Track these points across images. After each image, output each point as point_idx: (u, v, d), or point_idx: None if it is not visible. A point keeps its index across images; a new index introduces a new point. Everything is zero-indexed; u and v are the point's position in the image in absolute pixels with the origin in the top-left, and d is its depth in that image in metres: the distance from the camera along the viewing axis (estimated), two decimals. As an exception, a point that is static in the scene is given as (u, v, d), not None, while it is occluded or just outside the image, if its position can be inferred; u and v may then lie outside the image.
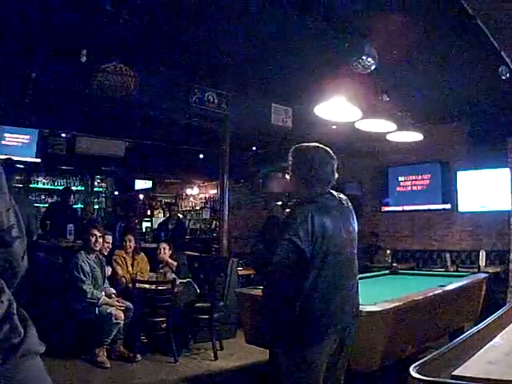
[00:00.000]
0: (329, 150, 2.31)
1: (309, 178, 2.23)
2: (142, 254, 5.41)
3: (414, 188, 7.79)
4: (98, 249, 4.63)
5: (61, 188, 9.12)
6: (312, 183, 2.22)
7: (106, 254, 4.92)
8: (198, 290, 5.21)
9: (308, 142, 2.33)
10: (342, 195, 2.33)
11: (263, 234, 2.27)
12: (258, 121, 6.45)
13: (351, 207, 2.35)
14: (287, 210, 2.26)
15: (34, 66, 4.48)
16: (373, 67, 4.09)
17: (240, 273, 6.06)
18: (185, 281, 5.15)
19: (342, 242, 2.17)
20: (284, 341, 2.18)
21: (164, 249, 5.47)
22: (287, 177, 2.35)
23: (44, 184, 9.76)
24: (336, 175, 2.28)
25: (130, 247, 5.25)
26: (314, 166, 2.22)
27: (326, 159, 2.26)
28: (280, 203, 2.37)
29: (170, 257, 5.47)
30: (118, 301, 4.53)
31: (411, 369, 1.18)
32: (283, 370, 2.17)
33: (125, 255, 5.20)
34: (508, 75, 4.38)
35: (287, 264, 2.08)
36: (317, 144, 2.32)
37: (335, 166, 2.28)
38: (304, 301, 2.07)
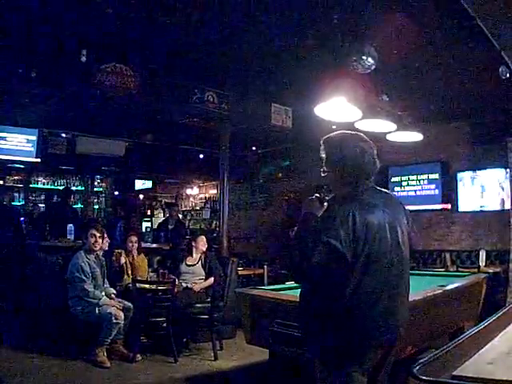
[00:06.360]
0: (364, 136, 2.00)
1: (348, 172, 1.93)
2: (142, 255, 5.37)
3: (414, 188, 7.78)
4: (97, 249, 4.63)
5: (61, 188, 9.14)
6: (352, 178, 1.94)
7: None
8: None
9: (330, 135, 2.01)
10: (387, 191, 2.08)
11: (298, 234, 1.91)
12: (258, 121, 6.46)
13: (401, 203, 2.06)
14: (325, 204, 1.96)
15: (34, 65, 4.48)
16: (373, 67, 4.09)
17: (240, 273, 6.05)
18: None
19: (389, 244, 1.89)
20: (322, 354, 1.95)
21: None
22: (322, 173, 2.03)
23: (44, 184, 9.78)
24: (378, 164, 1.98)
25: (133, 247, 5.20)
26: (352, 159, 1.92)
27: (363, 148, 1.95)
28: (317, 196, 1.97)
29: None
30: (117, 301, 4.53)
31: (411, 369, 1.18)
32: (319, 380, 1.95)
33: (124, 255, 5.16)
34: (508, 75, 4.38)
35: (325, 270, 1.80)
36: (350, 132, 2.02)
37: (375, 153, 1.98)
38: (344, 310, 1.83)
